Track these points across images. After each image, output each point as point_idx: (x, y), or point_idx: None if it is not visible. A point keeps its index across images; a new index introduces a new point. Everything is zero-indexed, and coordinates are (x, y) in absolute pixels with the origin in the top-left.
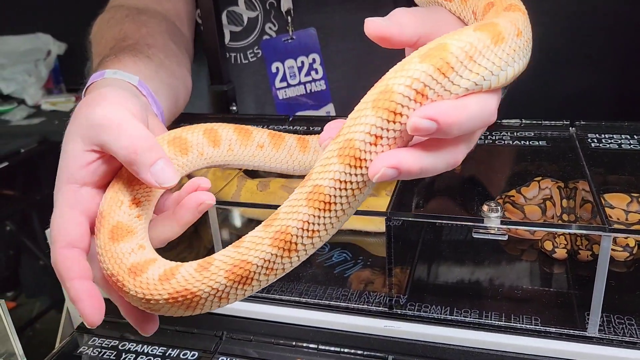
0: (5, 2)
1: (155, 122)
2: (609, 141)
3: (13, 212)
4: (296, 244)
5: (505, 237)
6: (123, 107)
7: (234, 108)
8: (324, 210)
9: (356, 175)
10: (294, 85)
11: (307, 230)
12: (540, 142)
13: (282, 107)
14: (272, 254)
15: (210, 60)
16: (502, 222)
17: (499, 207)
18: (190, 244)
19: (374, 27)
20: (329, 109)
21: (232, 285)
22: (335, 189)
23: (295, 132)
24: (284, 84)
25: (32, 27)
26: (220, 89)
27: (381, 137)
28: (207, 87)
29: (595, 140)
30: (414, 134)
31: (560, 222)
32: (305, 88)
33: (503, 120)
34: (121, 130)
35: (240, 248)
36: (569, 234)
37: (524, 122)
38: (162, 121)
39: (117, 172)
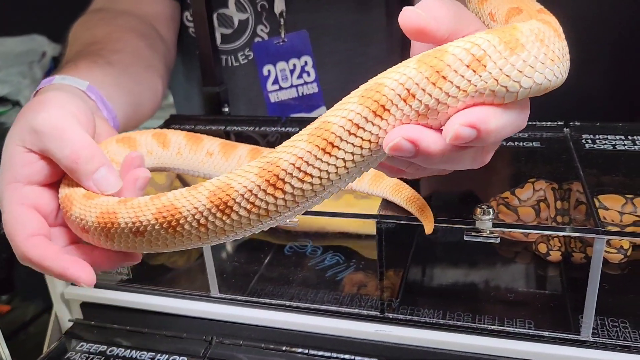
0: (0, 5)
1: (103, 126)
2: (604, 142)
3: None
4: (283, 181)
5: (497, 240)
6: (66, 112)
7: (227, 110)
8: (324, 151)
9: (373, 124)
10: (286, 88)
11: (299, 170)
12: (534, 143)
13: (274, 110)
14: (255, 185)
15: (203, 61)
16: (494, 225)
17: (491, 210)
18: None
19: (412, 18)
20: (321, 111)
21: (211, 209)
22: (344, 129)
23: (287, 133)
24: (276, 86)
25: (27, 28)
26: (212, 91)
27: (414, 96)
28: (197, 90)
29: (590, 141)
30: (452, 142)
31: (554, 224)
32: (297, 91)
33: None
34: (63, 139)
35: (231, 174)
36: (563, 236)
37: None
38: (114, 126)
39: (62, 171)
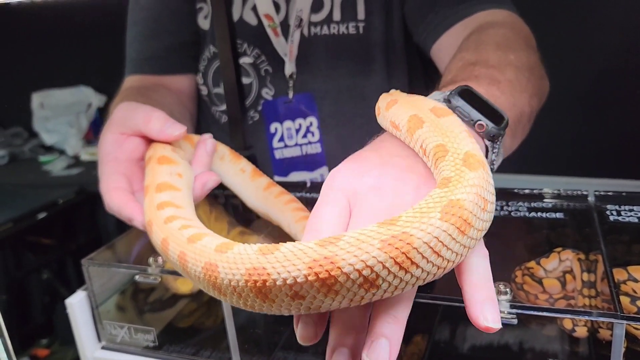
0: (51, 58)
1: None
2: (629, 214)
3: (50, 260)
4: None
5: (515, 322)
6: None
7: None
8: (462, 232)
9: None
10: (291, 146)
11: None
12: (557, 214)
13: (278, 166)
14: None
15: (232, 127)
16: (511, 306)
17: (508, 290)
18: (209, 309)
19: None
20: (323, 171)
21: (313, 286)
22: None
23: (313, 199)
24: (282, 144)
25: (74, 80)
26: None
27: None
28: None
29: (615, 213)
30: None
31: (580, 296)
32: (301, 150)
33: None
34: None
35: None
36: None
37: (542, 191)
38: None
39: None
